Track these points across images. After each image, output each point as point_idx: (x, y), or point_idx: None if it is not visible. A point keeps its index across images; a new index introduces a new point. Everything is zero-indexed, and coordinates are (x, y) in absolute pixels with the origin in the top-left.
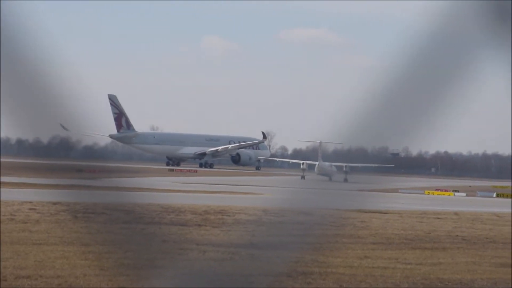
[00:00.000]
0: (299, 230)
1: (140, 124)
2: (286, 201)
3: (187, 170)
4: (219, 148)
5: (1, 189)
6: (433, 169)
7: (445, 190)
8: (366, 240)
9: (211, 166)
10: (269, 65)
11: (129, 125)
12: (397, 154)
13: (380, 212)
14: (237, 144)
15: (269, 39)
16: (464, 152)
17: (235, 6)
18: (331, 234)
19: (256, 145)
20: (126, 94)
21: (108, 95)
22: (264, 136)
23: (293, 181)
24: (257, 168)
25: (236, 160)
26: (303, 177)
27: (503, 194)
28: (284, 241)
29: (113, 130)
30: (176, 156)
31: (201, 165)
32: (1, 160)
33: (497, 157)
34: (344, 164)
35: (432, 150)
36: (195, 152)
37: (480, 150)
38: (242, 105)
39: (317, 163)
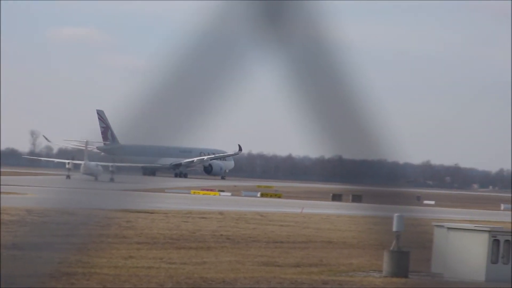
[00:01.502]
0: (63, 230)
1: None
2: (50, 201)
3: None
4: (195, 159)
5: None
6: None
7: (211, 190)
8: (131, 240)
9: (185, 176)
10: (37, 62)
11: (114, 138)
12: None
13: (146, 212)
14: (213, 155)
15: (38, 37)
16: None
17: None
18: (96, 234)
19: (225, 157)
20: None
21: (97, 110)
22: (240, 149)
23: (58, 181)
24: (223, 178)
25: (208, 170)
26: (68, 176)
27: (267, 194)
28: (48, 242)
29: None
30: (154, 167)
31: (176, 175)
32: None
33: (262, 157)
34: (110, 164)
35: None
36: (171, 163)
37: (245, 150)
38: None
39: (83, 162)
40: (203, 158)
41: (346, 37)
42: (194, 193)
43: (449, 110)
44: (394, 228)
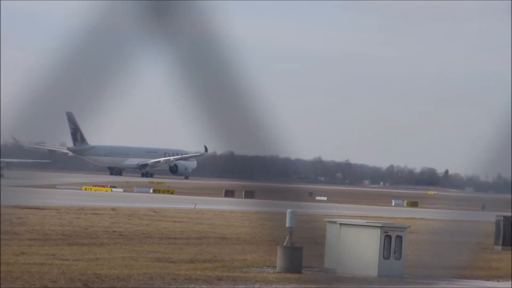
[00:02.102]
0: None
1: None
2: None
3: None
4: (161, 159)
5: None
6: (91, 165)
7: (103, 186)
8: (22, 236)
9: (151, 175)
10: None
11: (83, 139)
12: (55, 150)
13: (37, 208)
14: (179, 156)
15: None
16: None
17: None
18: None
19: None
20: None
21: (66, 112)
22: (206, 150)
23: None
24: (186, 177)
25: (174, 170)
26: None
27: (159, 190)
28: None
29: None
30: (121, 167)
31: (142, 175)
32: None
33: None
34: None
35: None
36: (138, 163)
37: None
38: None
39: None
40: (170, 159)
41: (236, 34)
42: (86, 189)
43: (340, 107)
44: (287, 224)
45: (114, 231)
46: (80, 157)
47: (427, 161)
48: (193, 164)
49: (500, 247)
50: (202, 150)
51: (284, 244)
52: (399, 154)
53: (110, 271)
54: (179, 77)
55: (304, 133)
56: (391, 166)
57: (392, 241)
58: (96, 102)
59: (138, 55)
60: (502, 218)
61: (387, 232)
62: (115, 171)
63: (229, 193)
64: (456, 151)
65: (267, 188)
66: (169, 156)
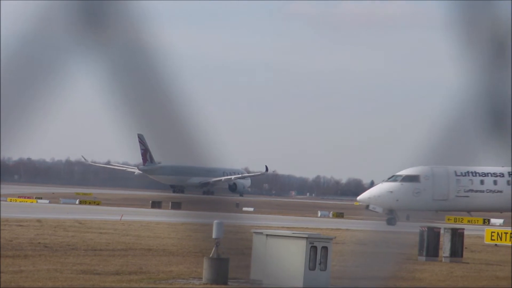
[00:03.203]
0: None
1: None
2: None
3: None
4: (222, 178)
5: None
6: (16, 176)
7: (28, 197)
8: None
9: (212, 193)
10: None
11: (152, 159)
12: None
13: None
14: (240, 175)
15: None
16: (48, 158)
17: None
18: None
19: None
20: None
21: (138, 134)
22: (267, 169)
23: None
24: (241, 195)
25: (233, 188)
26: None
27: (85, 201)
28: None
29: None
30: (185, 185)
31: (204, 193)
32: None
33: (80, 164)
34: None
35: (15, 157)
36: (200, 182)
37: (63, 157)
38: None
39: None
40: (231, 178)
41: (169, 42)
42: (11, 200)
43: (267, 118)
44: (214, 235)
45: (39, 242)
46: (148, 176)
47: (353, 172)
48: (247, 182)
49: (424, 258)
50: (263, 170)
51: (211, 255)
52: (326, 165)
53: (34, 284)
54: (110, 84)
55: (232, 144)
56: (318, 177)
57: (318, 252)
58: (25, 112)
59: (68, 63)
60: (426, 229)
61: (313, 243)
62: (177, 189)
63: (155, 204)
64: (382, 162)
65: (194, 199)
66: (228, 175)
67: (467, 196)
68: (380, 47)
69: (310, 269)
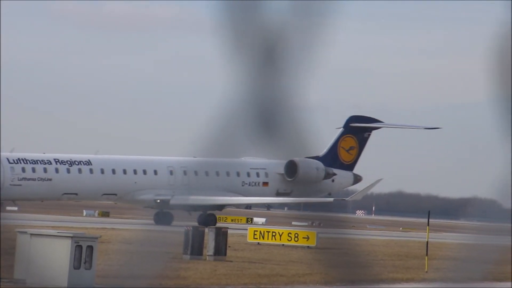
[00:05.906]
0: None
1: None
2: None
3: None
4: None
5: None
6: None
7: None
8: None
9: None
10: None
11: None
12: None
13: None
14: None
15: None
16: None
17: None
18: None
19: None
20: None
21: None
22: None
23: None
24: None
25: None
26: None
27: None
28: None
29: None
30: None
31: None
32: None
33: None
34: None
35: None
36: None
37: None
38: None
39: None
40: None
41: None
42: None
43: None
44: None
45: None
46: None
47: None
48: None
49: (188, 256)
50: None
51: None
52: None
53: None
54: None
55: None
56: None
57: (83, 251)
58: None
59: None
60: (191, 228)
61: (78, 242)
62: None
63: None
64: None
65: None
66: None
67: None
68: (148, 49)
69: (75, 268)
